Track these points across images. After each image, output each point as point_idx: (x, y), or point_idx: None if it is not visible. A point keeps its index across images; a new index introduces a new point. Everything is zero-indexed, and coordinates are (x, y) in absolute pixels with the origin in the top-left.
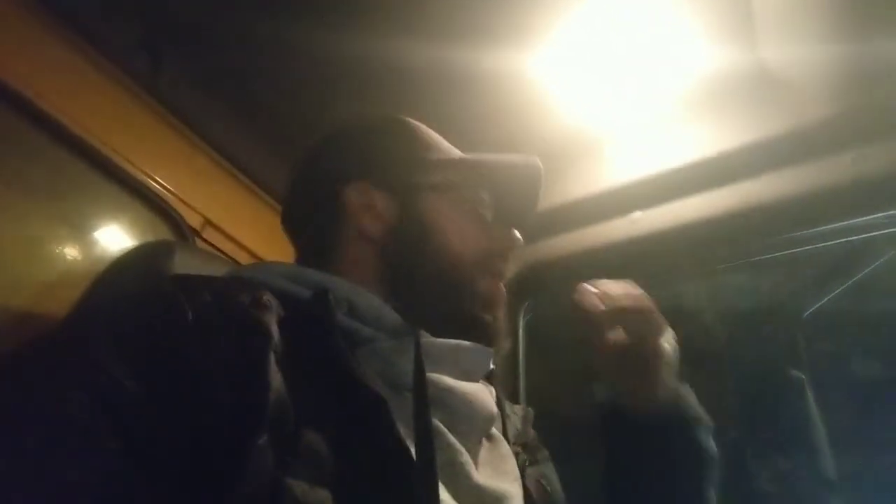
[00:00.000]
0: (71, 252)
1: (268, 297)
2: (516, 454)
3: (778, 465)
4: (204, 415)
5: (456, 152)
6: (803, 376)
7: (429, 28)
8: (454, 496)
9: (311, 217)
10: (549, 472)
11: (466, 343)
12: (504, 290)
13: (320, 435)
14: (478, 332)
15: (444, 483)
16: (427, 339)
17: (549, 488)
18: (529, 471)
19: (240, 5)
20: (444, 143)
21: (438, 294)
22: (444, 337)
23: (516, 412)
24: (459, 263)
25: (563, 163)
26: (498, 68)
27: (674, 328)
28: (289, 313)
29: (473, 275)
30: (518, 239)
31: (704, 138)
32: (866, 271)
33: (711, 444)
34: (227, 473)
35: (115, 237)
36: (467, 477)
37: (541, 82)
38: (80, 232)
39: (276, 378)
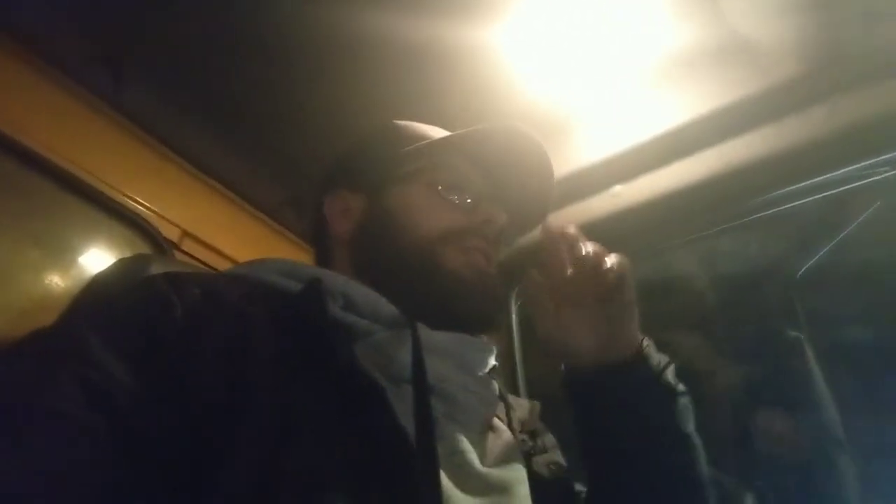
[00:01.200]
0: (47, 275)
1: (258, 291)
2: (523, 442)
3: (782, 427)
4: (194, 405)
5: (438, 137)
6: (801, 336)
7: (390, 1)
8: (457, 484)
9: (312, 232)
10: (558, 457)
11: (465, 336)
12: (485, 265)
13: (317, 424)
14: (454, 312)
15: (446, 471)
16: (425, 331)
17: (560, 473)
18: (539, 458)
19: (199, 11)
20: (431, 134)
21: (405, 279)
22: (436, 325)
23: (521, 405)
24: (419, 241)
25: None
26: (461, 42)
27: (666, 298)
28: (281, 307)
29: (438, 251)
30: (496, 216)
31: (678, 106)
32: (854, 225)
33: (681, 385)
34: (220, 460)
35: (90, 257)
36: (470, 465)
37: (506, 56)
38: (54, 254)
39: (265, 370)
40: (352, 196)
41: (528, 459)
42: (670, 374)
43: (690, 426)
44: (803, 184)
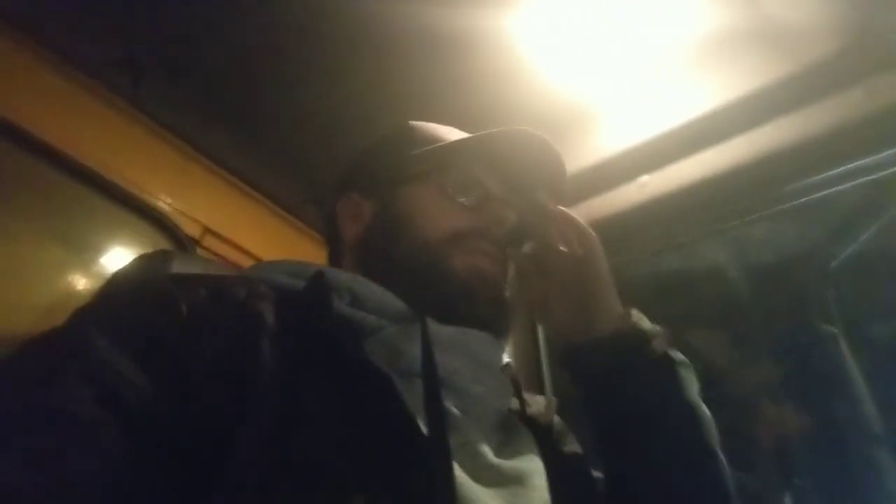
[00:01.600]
0: (70, 271)
1: (264, 289)
2: (542, 436)
3: (816, 421)
4: (201, 404)
5: (454, 138)
6: (835, 329)
7: None
8: (470, 475)
9: (326, 236)
10: (575, 447)
11: (474, 330)
12: (492, 269)
13: (324, 414)
14: (461, 315)
15: (459, 462)
16: (434, 325)
17: (577, 462)
18: (555, 448)
19: (219, 9)
20: (442, 135)
21: (414, 279)
22: (445, 323)
23: (537, 401)
24: (429, 244)
25: (561, 131)
26: (484, 31)
27: (695, 290)
28: (287, 305)
29: (445, 253)
30: (505, 217)
31: (708, 91)
32: (893, 212)
33: (679, 355)
34: (226, 460)
35: (113, 253)
36: (483, 456)
37: (528, 45)
38: (78, 251)
39: (271, 365)
40: (363, 200)
41: (543, 450)
42: (663, 343)
43: (693, 396)
44: (839, 169)
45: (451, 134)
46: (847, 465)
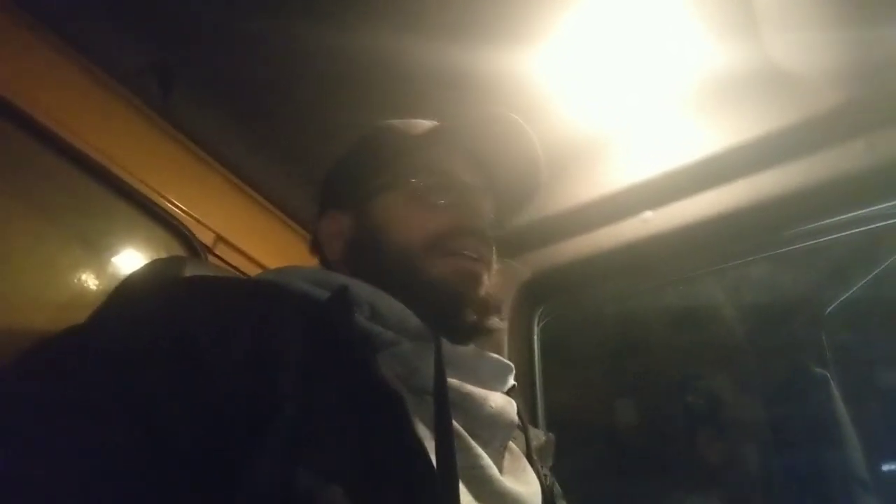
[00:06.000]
0: (87, 272)
1: (287, 298)
2: (544, 476)
3: (804, 463)
4: (219, 410)
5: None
6: (827, 373)
7: (427, 28)
8: (475, 497)
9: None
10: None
11: (487, 353)
12: (474, 268)
13: (337, 433)
14: (448, 320)
15: (464, 484)
16: (448, 345)
17: None
18: (557, 500)
19: (248, 23)
20: (409, 131)
21: (401, 290)
22: (453, 338)
23: (538, 435)
24: (407, 254)
25: (570, 165)
26: (498, 69)
27: (692, 328)
28: (308, 314)
29: (423, 261)
30: (481, 208)
31: (713, 134)
32: (889, 262)
33: None
34: (241, 467)
35: (128, 256)
36: (489, 480)
37: (542, 83)
38: (97, 252)
39: (291, 375)
40: (342, 216)
41: (548, 495)
42: None
43: None
44: (836, 218)
45: (417, 128)
46: None
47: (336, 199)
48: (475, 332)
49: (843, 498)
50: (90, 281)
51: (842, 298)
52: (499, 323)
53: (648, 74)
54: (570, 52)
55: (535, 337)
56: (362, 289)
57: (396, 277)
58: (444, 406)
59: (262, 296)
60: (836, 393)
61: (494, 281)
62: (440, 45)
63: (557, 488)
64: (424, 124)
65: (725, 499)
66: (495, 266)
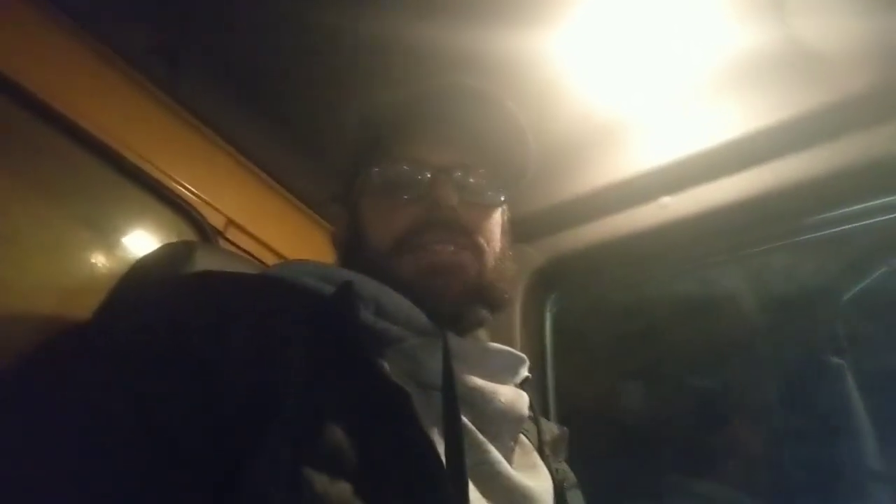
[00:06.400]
0: (95, 255)
1: (293, 293)
2: (556, 470)
3: (817, 453)
4: (224, 407)
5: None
6: (843, 362)
7: (446, 8)
8: (483, 494)
9: None
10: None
11: (495, 346)
12: (440, 258)
13: (343, 430)
14: (434, 315)
15: (473, 481)
16: (456, 340)
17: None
18: (571, 492)
19: (258, 5)
20: (384, 115)
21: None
22: (461, 332)
23: (551, 429)
24: (380, 255)
25: (587, 149)
26: (515, 50)
27: (707, 316)
28: (314, 310)
29: (394, 261)
30: (442, 198)
31: (735, 117)
32: None
33: None
34: (248, 464)
35: (138, 239)
36: (498, 476)
37: (560, 64)
38: (104, 235)
39: (296, 371)
40: (343, 212)
41: (559, 489)
42: None
43: None
44: (858, 206)
45: (387, 110)
46: (844, 499)
47: (339, 193)
48: (460, 327)
49: (856, 489)
50: (99, 264)
51: (860, 286)
52: (486, 314)
53: (668, 56)
54: (587, 33)
55: (548, 324)
56: (368, 284)
57: (378, 278)
58: (453, 401)
59: (267, 292)
60: (851, 382)
61: (493, 263)
62: (455, 27)
63: (570, 480)
64: (393, 103)
65: (737, 487)
66: (490, 246)
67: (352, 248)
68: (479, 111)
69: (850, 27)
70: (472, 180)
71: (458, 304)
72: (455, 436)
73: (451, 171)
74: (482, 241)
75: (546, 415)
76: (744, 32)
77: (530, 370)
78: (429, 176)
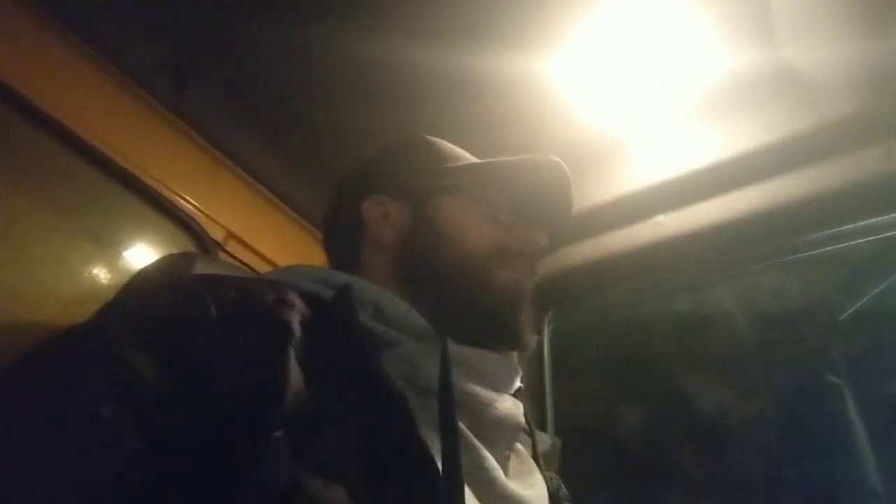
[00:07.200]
0: (97, 266)
1: (292, 297)
2: (550, 479)
3: (816, 474)
4: (222, 408)
5: (474, 160)
6: (840, 381)
7: (445, 32)
8: (479, 500)
9: (337, 234)
10: None
11: (493, 353)
12: (525, 288)
13: (339, 433)
14: (498, 327)
15: (468, 486)
16: (454, 346)
17: None
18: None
19: (261, 23)
20: (464, 154)
21: (455, 291)
22: (469, 341)
23: (544, 439)
24: (471, 256)
25: (583, 167)
26: (515, 72)
27: (702, 333)
28: (313, 313)
29: (487, 265)
30: (539, 238)
31: (728, 138)
32: None
33: None
34: (242, 466)
35: (138, 251)
36: (493, 483)
37: (559, 85)
38: (105, 246)
39: (294, 374)
40: (391, 203)
41: (554, 499)
42: None
43: None
44: (851, 225)
45: (468, 155)
46: None
47: (385, 184)
48: (521, 344)
49: None
50: (100, 276)
51: (855, 307)
52: (533, 342)
53: (663, 78)
54: (584, 56)
55: (546, 340)
56: (367, 288)
57: (458, 275)
58: (450, 406)
59: (265, 296)
60: (848, 402)
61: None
62: (456, 50)
63: (564, 491)
64: (468, 155)
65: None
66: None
67: (421, 240)
68: (554, 185)
69: (840, 52)
70: None
71: (527, 325)
72: (451, 441)
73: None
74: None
75: (544, 429)
76: (736, 56)
77: (529, 386)
78: (525, 214)
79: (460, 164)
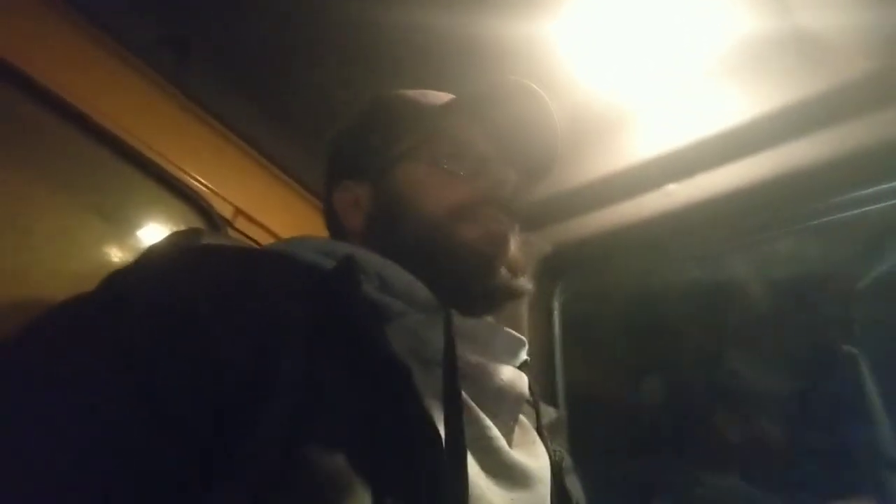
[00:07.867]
0: (106, 244)
1: (294, 268)
2: (554, 451)
3: (832, 442)
4: (219, 379)
5: (435, 104)
6: (856, 351)
7: None
8: (482, 468)
9: (329, 229)
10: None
11: (498, 325)
12: (503, 231)
13: (340, 403)
14: (481, 287)
15: (472, 455)
16: (458, 317)
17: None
18: (568, 477)
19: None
20: (424, 101)
21: (426, 260)
22: (468, 310)
23: (548, 412)
24: (432, 221)
25: (591, 137)
26: (518, 37)
27: (717, 302)
28: (316, 284)
29: (450, 227)
30: (507, 176)
31: (740, 103)
32: None
33: None
34: (241, 436)
35: (147, 229)
36: (496, 451)
37: (562, 52)
38: (115, 224)
39: (295, 344)
40: (357, 186)
41: (557, 470)
42: None
43: None
44: (869, 190)
45: (431, 98)
46: (858, 488)
47: (349, 168)
48: (508, 294)
49: (871, 478)
50: (109, 253)
51: (874, 273)
52: (529, 284)
53: (673, 41)
54: (592, 19)
55: (556, 312)
56: (371, 259)
57: (421, 245)
58: (453, 375)
59: (269, 265)
60: (865, 371)
61: (518, 251)
62: (459, 14)
63: (568, 463)
64: (439, 95)
65: (749, 478)
66: (517, 235)
67: (384, 216)
68: (527, 113)
69: (856, 12)
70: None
71: (511, 271)
72: (454, 410)
73: (503, 160)
74: (516, 227)
75: (554, 403)
76: (747, 19)
77: (539, 358)
78: (486, 158)
79: (417, 121)
